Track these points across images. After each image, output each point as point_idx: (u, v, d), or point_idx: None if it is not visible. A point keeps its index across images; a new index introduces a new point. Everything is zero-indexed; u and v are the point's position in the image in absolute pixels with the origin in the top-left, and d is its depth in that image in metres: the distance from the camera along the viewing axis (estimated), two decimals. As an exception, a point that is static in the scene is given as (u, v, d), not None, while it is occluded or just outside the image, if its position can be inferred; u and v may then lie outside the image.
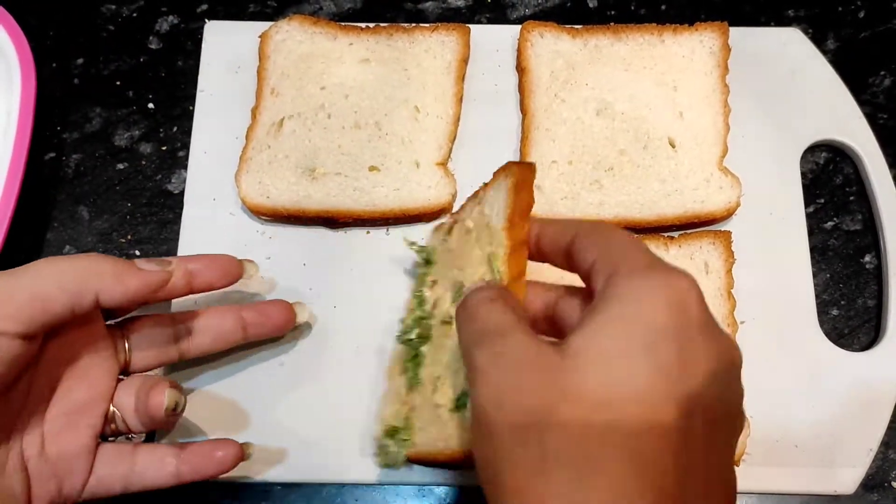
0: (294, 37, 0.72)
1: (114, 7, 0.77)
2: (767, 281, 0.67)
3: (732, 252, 0.66)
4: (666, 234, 0.67)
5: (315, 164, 0.68)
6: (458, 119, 0.71)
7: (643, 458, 0.36)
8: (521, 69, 0.72)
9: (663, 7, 0.78)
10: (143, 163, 0.72)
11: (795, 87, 0.72)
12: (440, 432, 0.52)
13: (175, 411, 0.53)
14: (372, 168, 0.68)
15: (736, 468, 0.60)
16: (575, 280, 0.47)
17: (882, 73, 0.76)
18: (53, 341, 0.51)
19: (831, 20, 0.77)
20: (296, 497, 0.62)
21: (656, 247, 0.66)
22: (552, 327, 0.49)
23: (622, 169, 0.68)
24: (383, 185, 0.68)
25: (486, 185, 0.55)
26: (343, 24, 0.73)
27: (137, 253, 0.69)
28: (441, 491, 0.63)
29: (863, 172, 0.71)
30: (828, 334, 0.66)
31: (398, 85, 0.71)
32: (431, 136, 0.69)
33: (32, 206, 0.69)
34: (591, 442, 0.36)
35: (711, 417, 0.39)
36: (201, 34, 0.75)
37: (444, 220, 0.64)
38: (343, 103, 0.70)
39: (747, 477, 0.62)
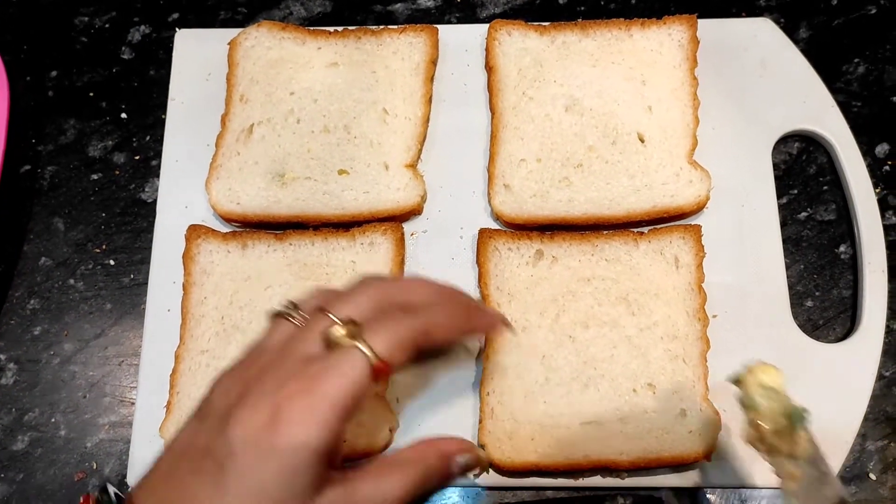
0: (263, 43, 0.72)
1: (87, 19, 0.78)
2: (740, 274, 0.67)
3: (703, 246, 0.65)
4: (636, 230, 0.67)
5: (285, 170, 0.69)
6: (427, 120, 0.71)
7: None
8: (489, 68, 0.72)
9: (633, 1, 0.78)
10: (117, 172, 0.73)
11: (767, 78, 0.72)
12: None
13: None
14: (341, 171, 0.69)
15: (707, 463, 0.61)
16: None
17: (856, 60, 0.75)
18: None
19: (804, 8, 0.77)
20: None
21: (625, 242, 0.66)
22: None
23: (591, 165, 0.68)
24: (352, 188, 0.68)
25: None
26: (311, 28, 0.73)
27: (112, 263, 0.70)
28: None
29: (836, 162, 0.71)
30: (802, 326, 0.66)
31: (366, 88, 0.71)
32: (400, 137, 0.70)
33: (9, 218, 0.70)
34: None
35: None
36: (173, 43, 0.75)
37: None
38: (312, 108, 0.70)
39: (719, 472, 0.62)
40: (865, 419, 0.64)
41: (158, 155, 0.72)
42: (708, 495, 0.63)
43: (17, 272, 0.70)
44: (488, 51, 0.72)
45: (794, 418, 0.51)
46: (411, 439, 0.50)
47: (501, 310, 0.64)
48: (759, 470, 0.61)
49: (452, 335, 0.51)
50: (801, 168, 0.72)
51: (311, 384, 0.42)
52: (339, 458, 0.46)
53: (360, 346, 0.43)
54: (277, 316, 0.49)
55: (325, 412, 0.42)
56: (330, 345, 0.44)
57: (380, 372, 0.44)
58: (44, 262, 0.70)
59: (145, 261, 0.69)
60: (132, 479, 0.63)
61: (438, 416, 0.64)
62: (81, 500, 0.45)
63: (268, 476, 0.41)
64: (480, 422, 0.62)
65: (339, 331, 0.44)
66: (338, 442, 0.44)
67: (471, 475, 0.61)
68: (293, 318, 0.48)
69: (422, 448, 0.50)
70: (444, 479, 0.50)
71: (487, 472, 0.62)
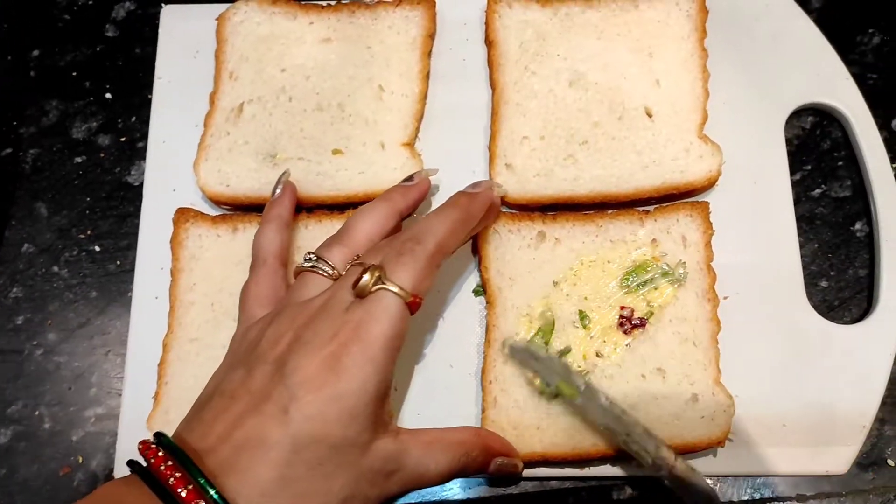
0: (252, 18, 0.69)
1: (69, -5, 0.75)
2: (752, 253, 0.64)
3: (711, 224, 0.63)
4: (641, 209, 0.64)
5: (276, 150, 0.66)
6: (424, 97, 0.68)
7: None
8: (489, 42, 0.69)
9: (638, -29, 0.74)
10: (102, 155, 0.70)
11: (778, 49, 0.69)
12: None
13: None
14: (335, 151, 0.66)
15: (720, 450, 0.59)
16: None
17: (870, 30, 0.72)
18: None
19: (816, -24, 0.74)
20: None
21: (630, 222, 0.63)
22: None
23: (597, 142, 0.65)
24: (347, 168, 0.65)
25: None
26: (303, 2, 0.70)
27: (97, 249, 0.67)
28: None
29: (851, 136, 0.68)
30: (817, 307, 0.63)
31: (361, 64, 0.68)
32: (397, 115, 0.67)
33: (-11, 204, 0.67)
34: None
35: None
36: (159, 19, 0.72)
37: None
38: (304, 85, 0.67)
39: (732, 459, 0.59)
40: (883, 403, 0.61)
41: (145, 136, 0.69)
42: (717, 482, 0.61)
43: (-1, 259, 0.67)
44: (488, 24, 0.69)
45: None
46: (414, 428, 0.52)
47: (503, 294, 0.62)
48: (773, 456, 0.59)
49: (461, 238, 0.55)
50: (815, 143, 0.69)
51: (359, 331, 0.47)
52: (390, 410, 0.51)
53: (390, 287, 0.48)
54: (305, 271, 0.53)
55: (377, 354, 0.47)
56: (362, 292, 0.48)
57: (413, 305, 0.49)
58: (26, 248, 0.67)
59: (132, 246, 0.66)
60: (119, 473, 0.60)
61: (439, 405, 0.61)
62: (141, 446, 0.46)
63: (332, 418, 0.45)
64: (483, 411, 0.59)
65: (367, 278, 0.48)
66: (388, 382, 0.48)
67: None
68: (321, 270, 0.53)
69: (471, 436, 0.54)
70: (479, 472, 0.55)
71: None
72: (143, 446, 0.46)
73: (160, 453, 0.44)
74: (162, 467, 0.43)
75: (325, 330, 0.47)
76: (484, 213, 0.60)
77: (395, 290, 0.48)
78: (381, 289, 0.48)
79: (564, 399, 0.58)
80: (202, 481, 0.43)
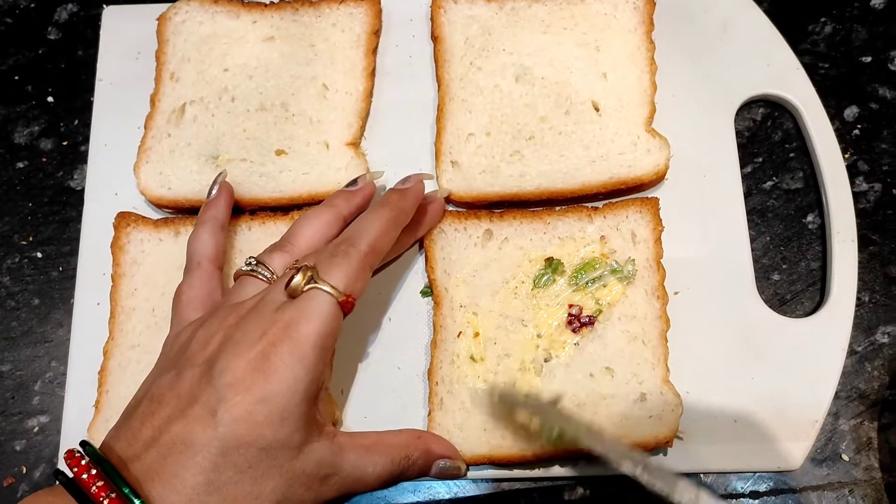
0: (194, 17, 0.68)
1: (11, -2, 0.74)
2: (702, 247, 0.63)
3: (661, 220, 0.62)
4: (590, 205, 0.63)
5: (219, 151, 0.65)
6: (369, 95, 0.67)
7: None
8: (434, 38, 0.68)
9: (587, -37, 0.73)
10: (44, 160, 0.69)
11: (728, 40, 0.68)
12: None
13: None
14: (279, 152, 0.65)
15: (670, 449, 0.58)
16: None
17: (822, 19, 0.71)
18: None
19: (767, -34, 0.73)
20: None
21: (579, 219, 0.62)
22: None
23: (543, 137, 0.64)
24: (291, 168, 0.64)
25: None
26: (246, 1, 0.69)
27: (39, 255, 0.66)
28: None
29: (803, 127, 0.67)
30: (769, 301, 0.63)
31: (305, 62, 0.67)
32: (341, 114, 0.66)
33: (-72, 211, 0.66)
34: None
35: None
36: (101, 21, 0.71)
37: None
38: (247, 85, 0.66)
39: (684, 456, 0.58)
40: (837, 397, 0.61)
41: (87, 140, 0.68)
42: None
43: (-61, 268, 0.66)
44: (433, 20, 0.68)
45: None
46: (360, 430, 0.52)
47: (450, 294, 0.61)
48: (725, 453, 0.58)
49: (395, 235, 0.55)
50: (766, 135, 0.68)
51: (289, 330, 0.46)
52: (329, 412, 0.51)
53: (323, 286, 0.47)
54: (244, 275, 0.53)
55: (307, 353, 0.46)
56: (294, 292, 0.47)
57: (346, 304, 0.48)
58: (-33, 256, 0.66)
59: (74, 252, 0.65)
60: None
61: (387, 407, 0.60)
62: (66, 455, 0.44)
63: (261, 420, 0.44)
64: (430, 412, 0.58)
65: (300, 278, 0.47)
66: (319, 383, 0.47)
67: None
68: (260, 274, 0.52)
69: (411, 439, 0.53)
70: (419, 476, 0.54)
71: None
72: (68, 455, 0.45)
73: (83, 462, 0.44)
74: (85, 476, 0.43)
75: (255, 329, 0.46)
76: (427, 213, 0.59)
77: (328, 289, 0.47)
78: (314, 288, 0.47)
79: (563, 441, 0.55)
80: (126, 491, 0.42)
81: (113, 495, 0.42)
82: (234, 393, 0.44)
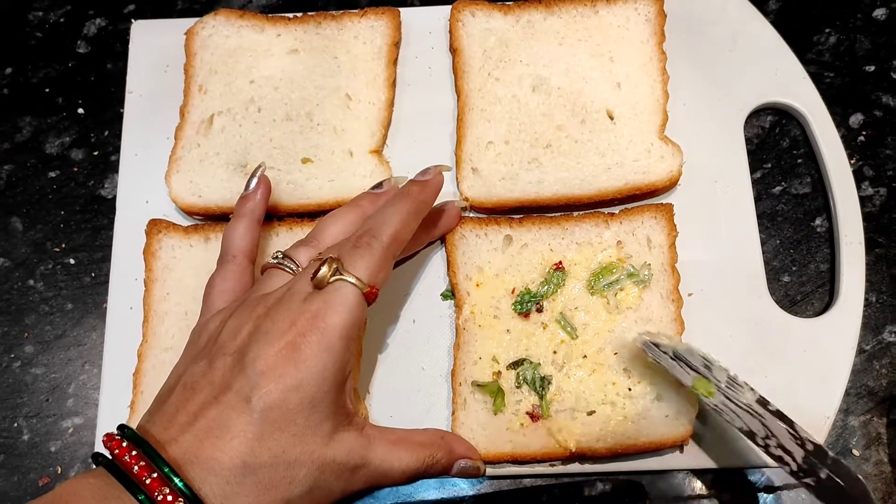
0: (220, 31, 0.70)
1: (41, 13, 0.76)
2: (714, 251, 0.65)
3: (675, 225, 0.64)
4: (606, 211, 0.65)
5: (247, 160, 0.67)
6: (391, 104, 0.69)
7: None
8: (453, 50, 0.70)
9: (599, -23, 0.76)
10: (75, 169, 0.71)
11: (737, 51, 0.70)
12: None
13: None
14: (305, 160, 0.67)
15: (685, 446, 0.60)
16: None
17: (827, 30, 0.74)
18: None
19: (773, -21, 0.75)
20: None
21: (596, 224, 0.64)
22: None
23: (560, 145, 0.66)
24: (317, 176, 0.66)
25: None
26: (270, 15, 0.71)
27: (72, 262, 0.68)
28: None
29: (810, 134, 0.69)
30: (780, 302, 0.65)
31: (328, 73, 0.69)
32: (364, 123, 0.68)
33: (-36, 220, 0.68)
34: None
35: None
36: (129, 35, 0.73)
37: None
38: (273, 96, 0.69)
39: (699, 453, 0.60)
40: (847, 394, 0.63)
41: (117, 150, 0.70)
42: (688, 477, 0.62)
43: (-25, 275, 0.68)
44: (452, 32, 0.70)
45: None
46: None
47: (470, 298, 0.63)
48: (739, 450, 0.60)
49: (415, 226, 0.56)
50: (775, 141, 0.70)
51: (317, 320, 0.48)
52: (355, 403, 0.52)
53: (348, 278, 0.49)
54: (271, 268, 0.55)
55: (335, 343, 0.47)
56: (320, 284, 0.49)
57: (370, 295, 0.50)
58: (2, 263, 0.68)
59: (106, 258, 0.67)
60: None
61: (412, 407, 0.62)
62: (105, 438, 0.46)
63: (293, 406, 0.46)
64: (453, 412, 0.60)
65: (325, 270, 0.49)
66: (346, 371, 0.49)
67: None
68: (286, 267, 0.54)
69: (435, 439, 0.56)
70: (441, 474, 0.56)
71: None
72: (108, 438, 0.46)
73: (124, 444, 0.45)
74: (126, 457, 0.44)
75: (284, 319, 0.48)
76: (443, 216, 0.61)
77: (353, 280, 0.49)
78: (339, 279, 0.49)
79: (700, 398, 0.56)
80: (166, 470, 0.43)
81: (154, 475, 0.43)
82: (267, 381, 0.46)
